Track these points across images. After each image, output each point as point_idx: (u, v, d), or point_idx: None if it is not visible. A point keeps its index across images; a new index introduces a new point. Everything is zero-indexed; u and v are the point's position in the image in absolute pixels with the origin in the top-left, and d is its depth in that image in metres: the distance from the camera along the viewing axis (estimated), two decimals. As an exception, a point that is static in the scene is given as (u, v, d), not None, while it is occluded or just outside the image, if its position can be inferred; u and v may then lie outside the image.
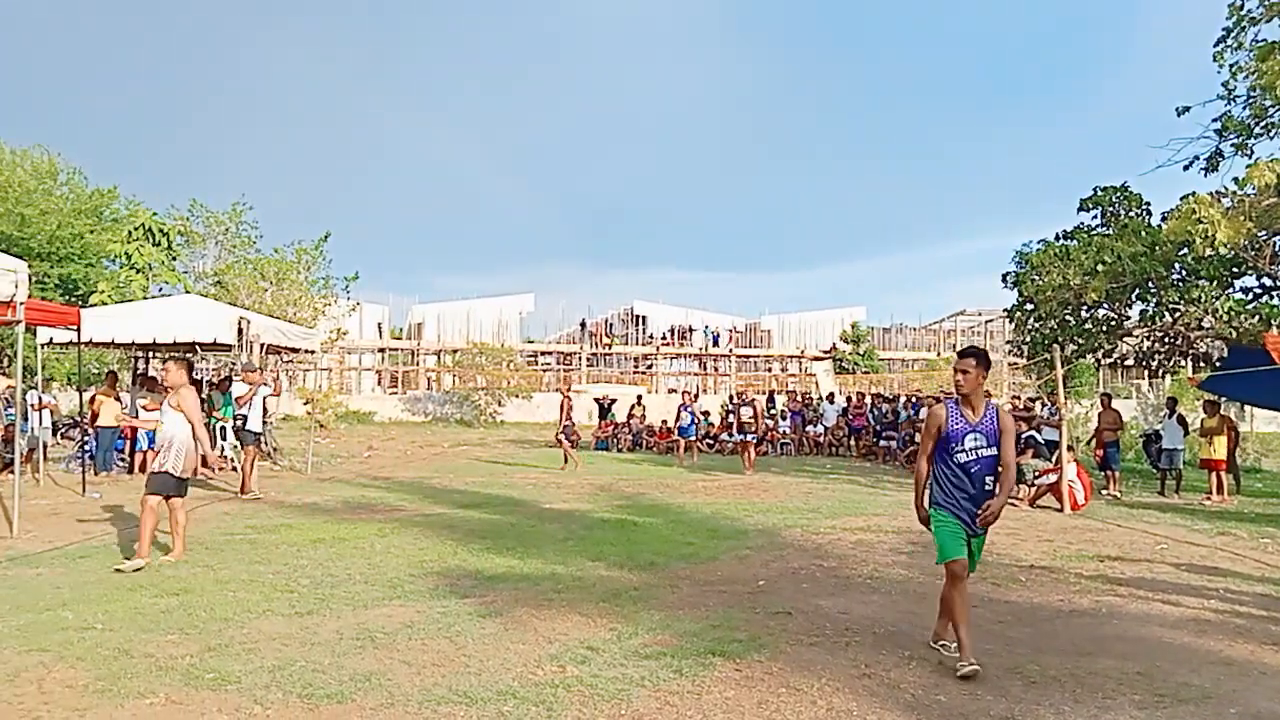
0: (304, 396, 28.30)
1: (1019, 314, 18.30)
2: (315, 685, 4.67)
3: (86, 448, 14.11)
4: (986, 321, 45.39)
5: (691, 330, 46.23)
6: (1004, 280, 18.53)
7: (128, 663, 5.00)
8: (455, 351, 40.27)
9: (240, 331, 13.96)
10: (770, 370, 46.21)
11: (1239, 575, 8.04)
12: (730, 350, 45.08)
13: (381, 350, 42.74)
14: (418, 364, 42.28)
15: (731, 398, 22.93)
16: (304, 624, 5.85)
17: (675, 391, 31.08)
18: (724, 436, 23.42)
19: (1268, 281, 15.70)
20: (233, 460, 15.20)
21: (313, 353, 19.91)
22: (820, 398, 27.31)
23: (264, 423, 13.76)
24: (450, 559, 8.11)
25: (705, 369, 45.89)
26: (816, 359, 44.52)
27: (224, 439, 15.48)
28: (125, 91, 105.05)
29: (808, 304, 58.27)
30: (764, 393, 28.10)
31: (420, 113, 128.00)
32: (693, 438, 20.84)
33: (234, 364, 16.27)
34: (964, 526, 5.16)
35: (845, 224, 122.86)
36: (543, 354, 44.51)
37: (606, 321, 48.07)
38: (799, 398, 26.80)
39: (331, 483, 14.42)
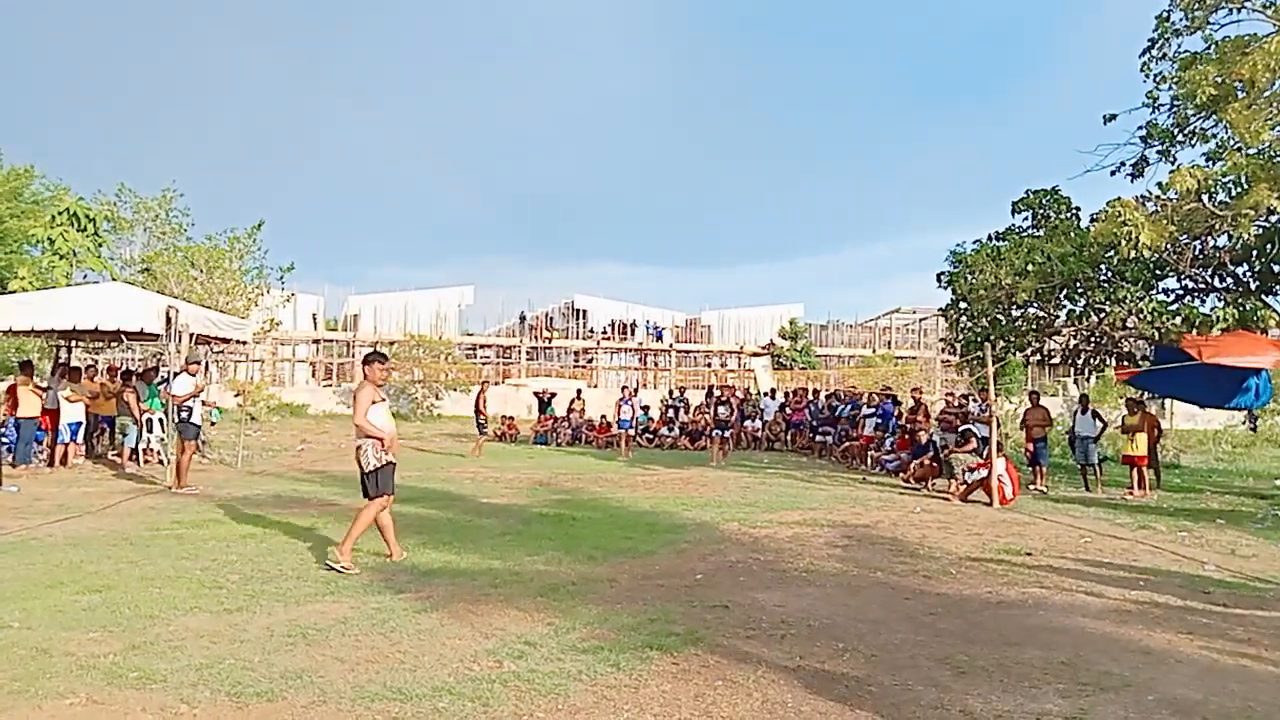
0: (235, 389, 27.65)
1: (952, 312, 18.68)
2: (244, 683, 4.56)
3: (4, 440, 13.59)
4: (921, 319, 46.22)
5: (633, 325, 46.28)
6: (939, 279, 18.89)
7: (46, 662, 4.83)
8: (392, 344, 39.69)
9: (169, 321, 13.57)
10: (710, 366, 46.48)
11: (1158, 568, 8.32)
12: (671, 346, 45.24)
13: (316, 342, 41.97)
14: (352, 356, 41.61)
15: (710, 391, 23.02)
16: (233, 621, 5.71)
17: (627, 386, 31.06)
18: (664, 431, 23.52)
19: (1189, 284, 16.27)
20: (159, 453, 14.77)
21: (244, 343, 19.48)
22: (760, 393, 27.58)
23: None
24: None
25: (646, 364, 45.98)
26: (755, 355, 44.88)
27: (150, 431, 15.04)
28: (48, 69, 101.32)
29: (748, 300, 58.72)
30: (724, 389, 28.23)
31: (359, 104, 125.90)
32: (631, 432, 20.90)
33: (160, 354, 15.82)
34: None
35: (786, 221, 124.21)
36: (481, 347, 44.11)
37: (547, 315, 47.82)
38: (739, 393, 27.01)
39: (263, 477, 14.11)
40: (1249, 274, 15.98)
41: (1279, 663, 5.31)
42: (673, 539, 9.13)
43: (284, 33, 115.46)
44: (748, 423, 23.43)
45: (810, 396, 24.04)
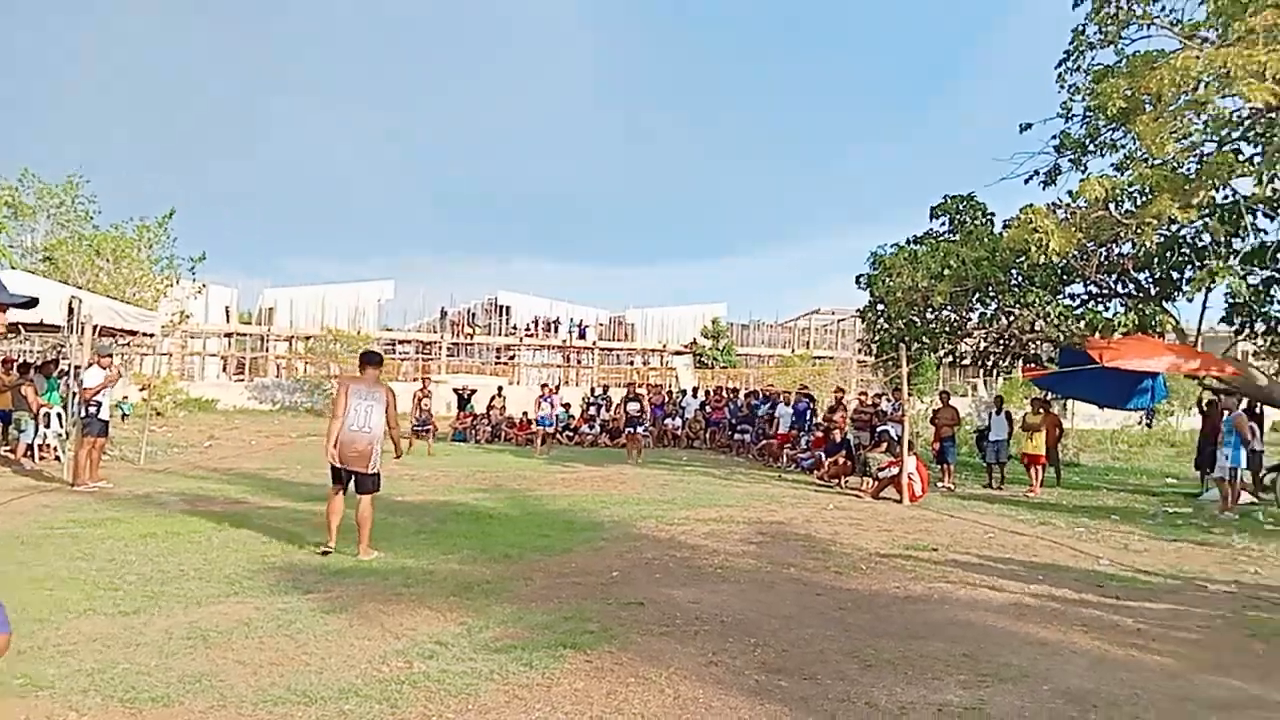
0: (140, 382, 26.65)
1: (870, 314, 19.05)
2: (139, 688, 4.40)
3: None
4: (839, 320, 47.08)
5: (557, 322, 46.10)
6: (858, 281, 19.25)
7: (-77, 669, 4.58)
8: (308, 338, 38.78)
9: (71, 312, 13.00)
10: (633, 364, 46.59)
11: (1056, 562, 8.64)
12: (594, 343, 45.21)
13: (228, 335, 40.72)
14: (267, 350, 40.52)
15: (629, 387, 22.97)
16: (129, 623, 5.50)
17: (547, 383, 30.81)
18: (585, 429, 23.49)
19: (1094, 289, 16.91)
20: (56, 449, 14.15)
21: (152, 335, 18.77)
22: (681, 391, 27.75)
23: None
24: (294, 554, 7.81)
25: (569, 361, 45.86)
26: (678, 353, 45.20)
27: (48, 426, 14.40)
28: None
29: (672, 299, 59.01)
30: (650, 387, 28.29)
31: (280, 93, 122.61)
32: (551, 429, 20.83)
33: (60, 347, 15.15)
34: None
35: (712, 221, 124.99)
36: (401, 343, 43.39)
37: (469, 311, 47.29)
38: (660, 391, 27.14)
39: (167, 474, 13.64)
40: (1149, 281, 16.68)
41: (1165, 653, 5.55)
42: (590, 537, 9.12)
43: (199, 16, 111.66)
44: (668, 421, 23.56)
45: (730, 395, 24.29)
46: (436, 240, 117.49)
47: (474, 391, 25.45)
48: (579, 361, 45.86)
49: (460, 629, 5.62)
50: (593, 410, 24.64)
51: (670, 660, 5.12)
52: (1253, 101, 11.41)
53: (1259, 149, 13.72)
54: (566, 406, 24.47)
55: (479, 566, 7.53)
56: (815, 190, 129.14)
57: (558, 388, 27.98)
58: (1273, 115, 11.80)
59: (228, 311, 41.37)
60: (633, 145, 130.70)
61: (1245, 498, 13.38)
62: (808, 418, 18.77)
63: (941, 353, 18.63)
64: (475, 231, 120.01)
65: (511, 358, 44.37)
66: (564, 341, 45.34)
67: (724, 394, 24.44)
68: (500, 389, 25.58)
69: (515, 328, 45.84)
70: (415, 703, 4.34)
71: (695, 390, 27.30)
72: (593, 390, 28.44)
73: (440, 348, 42.56)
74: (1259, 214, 15.46)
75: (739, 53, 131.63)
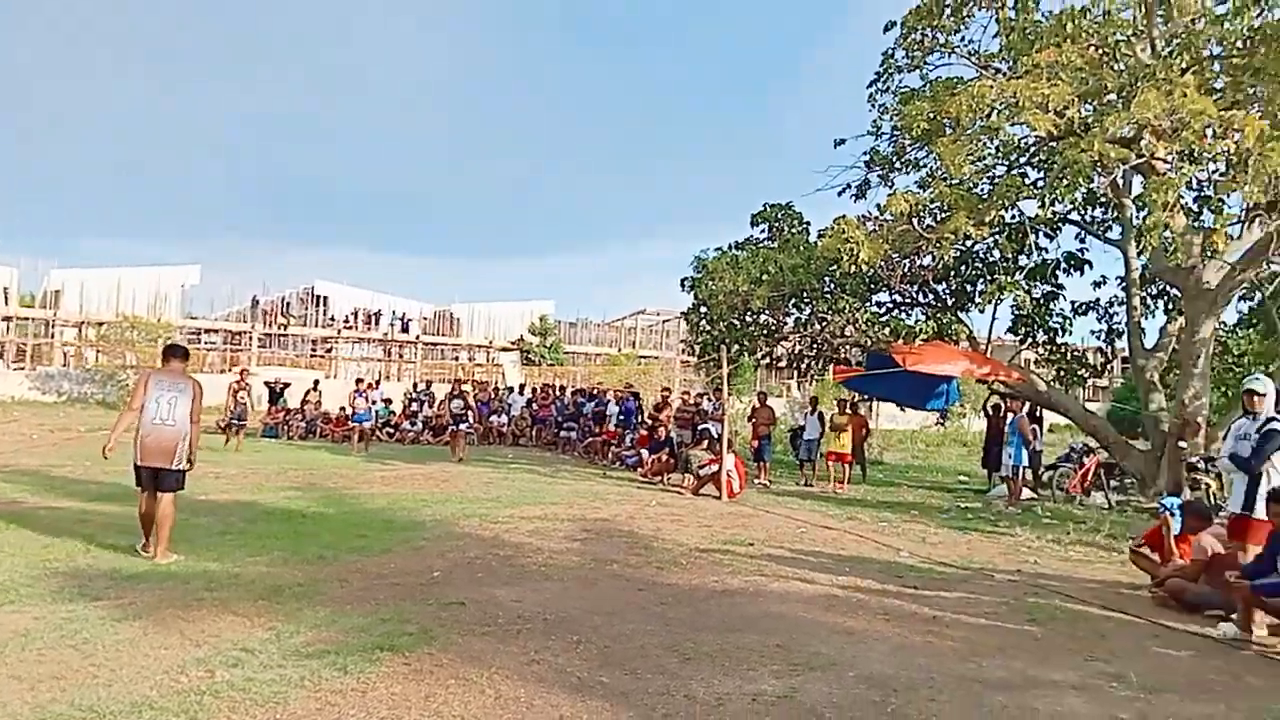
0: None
1: (693, 316, 19.57)
2: (-111, 711, 3.93)
3: None
4: (664, 321, 48.05)
5: (378, 314, 44.63)
6: (683, 284, 19.73)
7: None
8: (101, 324, 35.78)
9: None
10: (458, 359, 45.77)
11: (862, 555, 9.13)
12: (418, 337, 44.09)
13: (7, 319, 36.99)
14: (53, 336, 37.11)
15: (454, 385, 22.37)
16: (-121, 639, 4.90)
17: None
18: (406, 425, 22.87)
19: (898, 298, 18.04)
20: None
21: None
22: (508, 388, 27.50)
23: None
24: (80, 557, 7.19)
25: (391, 355, 44.51)
26: (504, 350, 44.76)
27: None
28: None
29: (500, 295, 58.37)
30: (476, 383, 27.70)
31: (78, 63, 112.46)
32: (369, 425, 20.16)
33: None
34: None
35: (542, 217, 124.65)
36: (207, 332, 40.76)
37: (283, 300, 45.03)
38: (485, 387, 26.78)
39: (-70, 471, 12.25)
40: (947, 291, 17.98)
41: (957, 638, 5.98)
42: (410, 536, 8.88)
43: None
44: (494, 418, 23.29)
45: (557, 393, 24.29)
46: (249, 225, 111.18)
47: (287, 385, 24.23)
48: (401, 356, 44.61)
49: (268, 634, 5.34)
50: (415, 406, 24.02)
51: (491, 660, 5.06)
52: (1038, 130, 12.47)
53: (1042, 174, 15.04)
54: (387, 402, 23.74)
55: (290, 568, 7.18)
56: (643, 192, 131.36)
57: (378, 382, 27.12)
58: (1054, 144, 12.91)
59: (6, 293, 37.61)
60: (463, 140, 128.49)
61: (1027, 494, 14.59)
62: (633, 416, 19.03)
63: (760, 355, 19.37)
64: (292, 219, 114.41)
65: (329, 350, 42.60)
66: (386, 335, 43.97)
67: (551, 392, 24.39)
68: (316, 383, 24.48)
69: (333, 319, 44.06)
70: (218, 714, 4.09)
71: (522, 387, 27.13)
72: (415, 386, 27.74)
73: (251, 338, 40.33)
74: (1041, 234, 16.98)
75: (572, 54, 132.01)
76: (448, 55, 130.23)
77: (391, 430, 22.57)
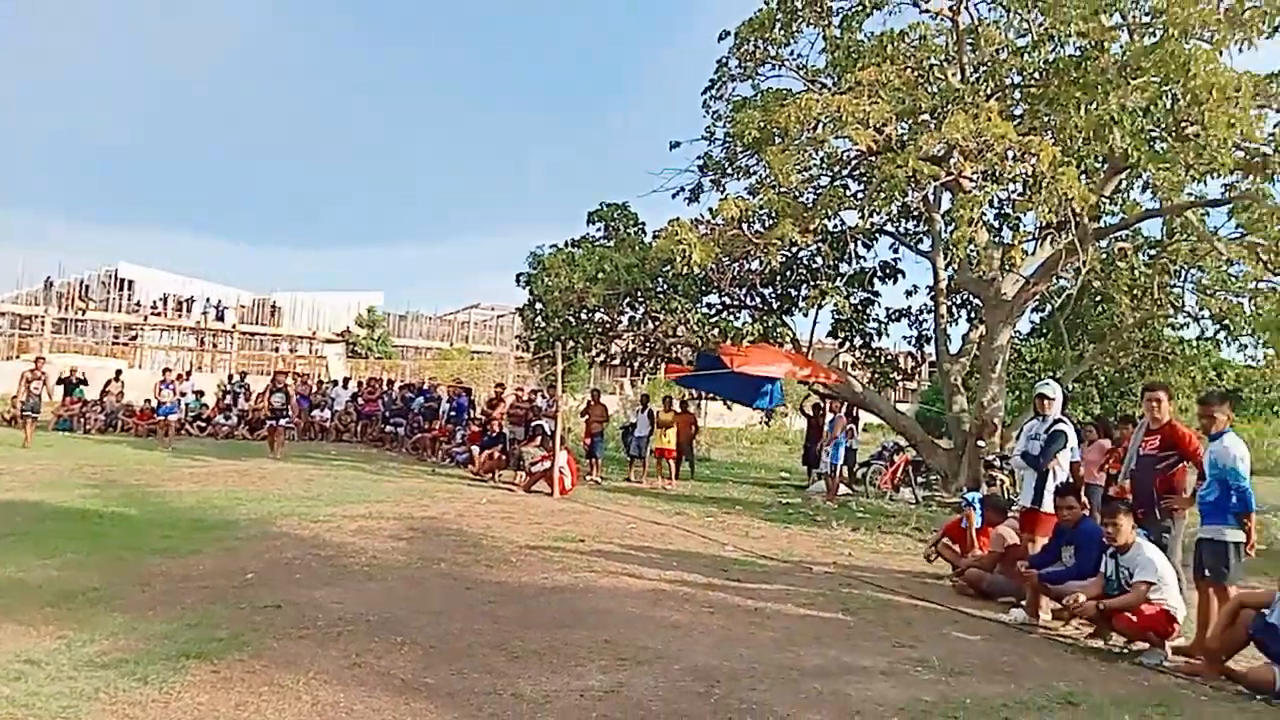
0: None
1: (528, 312, 19.42)
2: None
3: None
4: (499, 317, 47.51)
5: (191, 301, 41.93)
6: (518, 279, 19.52)
7: None
8: None
9: None
10: (278, 350, 43.63)
11: (689, 550, 9.35)
12: (234, 326, 41.73)
13: None
14: None
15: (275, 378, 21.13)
16: None
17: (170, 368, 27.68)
18: (220, 419, 21.60)
19: (727, 300, 18.56)
20: None
21: None
22: (332, 381, 26.44)
23: None
24: None
25: (205, 345, 41.92)
26: (329, 342, 43.00)
27: None
28: None
29: (324, 284, 55.92)
30: (297, 375, 26.35)
31: None
32: (177, 419, 18.94)
33: None
34: None
35: (371, 206, 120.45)
36: (-9, 314, 37.14)
37: (82, 283, 41.53)
38: (306, 381, 25.65)
39: None
40: (773, 295, 18.65)
41: (777, 629, 6.21)
42: (222, 536, 8.40)
43: None
44: (316, 412, 22.35)
45: (385, 387, 23.58)
46: (41, 201, 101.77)
47: (83, 381, 22.22)
48: (216, 346, 42.11)
49: (58, 644, 4.92)
50: (230, 399, 22.71)
51: (309, 664, 4.85)
52: (859, 144, 13.14)
53: (862, 186, 15.85)
54: (199, 394, 22.33)
55: (84, 572, 6.63)
56: (479, 187, 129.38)
57: (189, 373, 25.52)
58: (873, 158, 13.63)
59: None
60: (291, 121, 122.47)
61: (843, 490, 15.36)
62: (465, 412, 18.72)
63: (594, 352, 19.45)
64: (93, 195, 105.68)
65: (134, 338, 39.67)
66: (199, 323, 41.38)
67: (378, 386, 23.63)
68: (119, 372, 22.72)
69: (139, 305, 41.06)
70: (-6, 734, 3.73)
71: (346, 381, 26.16)
72: (231, 377, 26.25)
73: (44, 323, 37.01)
74: (860, 243, 17.90)
75: (410, 40, 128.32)
76: (277, 29, 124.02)
77: (203, 424, 21.25)
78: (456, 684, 4.70)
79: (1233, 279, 14.92)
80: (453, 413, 18.85)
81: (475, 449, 15.84)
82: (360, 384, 24.80)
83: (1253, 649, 5.58)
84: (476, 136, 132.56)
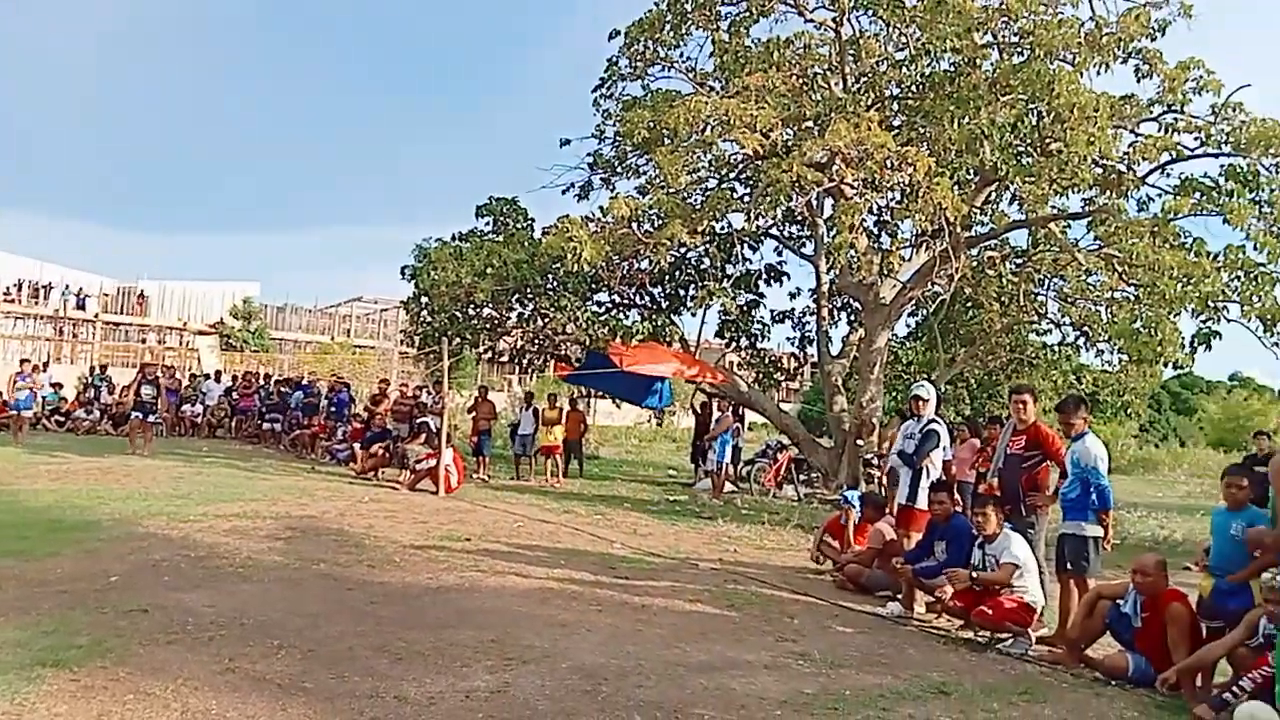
0: None
1: (414, 306, 19.05)
2: None
3: None
4: (382, 310, 46.38)
5: (48, 288, 39.40)
6: (403, 272, 19.11)
7: None
8: None
9: None
10: (145, 341, 41.45)
11: (577, 548, 9.36)
12: (97, 316, 39.44)
13: None
14: None
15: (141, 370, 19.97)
16: None
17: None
18: (80, 414, 20.42)
19: (617, 298, 18.64)
20: None
21: None
22: (205, 375, 25.31)
23: None
24: None
25: (63, 335, 39.46)
26: (201, 333, 41.13)
27: None
28: None
29: (196, 273, 53.50)
30: (165, 368, 24.99)
31: None
32: (31, 413, 17.80)
33: None
34: None
35: (245, 194, 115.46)
36: None
37: (-77, 266, 38.54)
38: (175, 374, 24.47)
39: None
40: (662, 295, 18.83)
41: (664, 625, 6.28)
42: (82, 537, 7.95)
43: None
44: (186, 407, 21.38)
45: (262, 381, 22.73)
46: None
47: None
48: (76, 336, 39.70)
49: (-105, 657, 4.56)
50: (91, 393, 21.49)
51: (179, 671, 4.64)
52: (746, 148, 13.41)
53: (749, 190, 16.16)
54: (57, 387, 21.07)
55: (-75, 578, 6.17)
56: (362, 175, 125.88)
57: (46, 364, 24.03)
58: (759, 162, 13.92)
59: None
60: (159, 100, 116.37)
61: (729, 487, 15.64)
62: (345, 408, 18.23)
63: (482, 349, 19.23)
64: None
65: (-17, 327, 37.04)
66: (57, 311, 38.92)
67: (254, 380, 22.74)
68: (-34, 363, 21.23)
69: (-10, 291, 38.36)
70: None
71: (219, 374, 25.10)
72: (93, 370, 24.82)
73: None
74: (746, 245, 18.26)
75: (290, 22, 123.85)
76: (148, 2, 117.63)
77: (62, 419, 20.05)
78: (337, 688, 4.58)
79: (1091, 288, 15.82)
80: (333, 409, 18.32)
81: (357, 446, 15.45)
82: (235, 378, 23.84)
83: (1109, 637, 5.96)
84: (360, 124, 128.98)
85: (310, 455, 17.58)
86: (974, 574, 6.42)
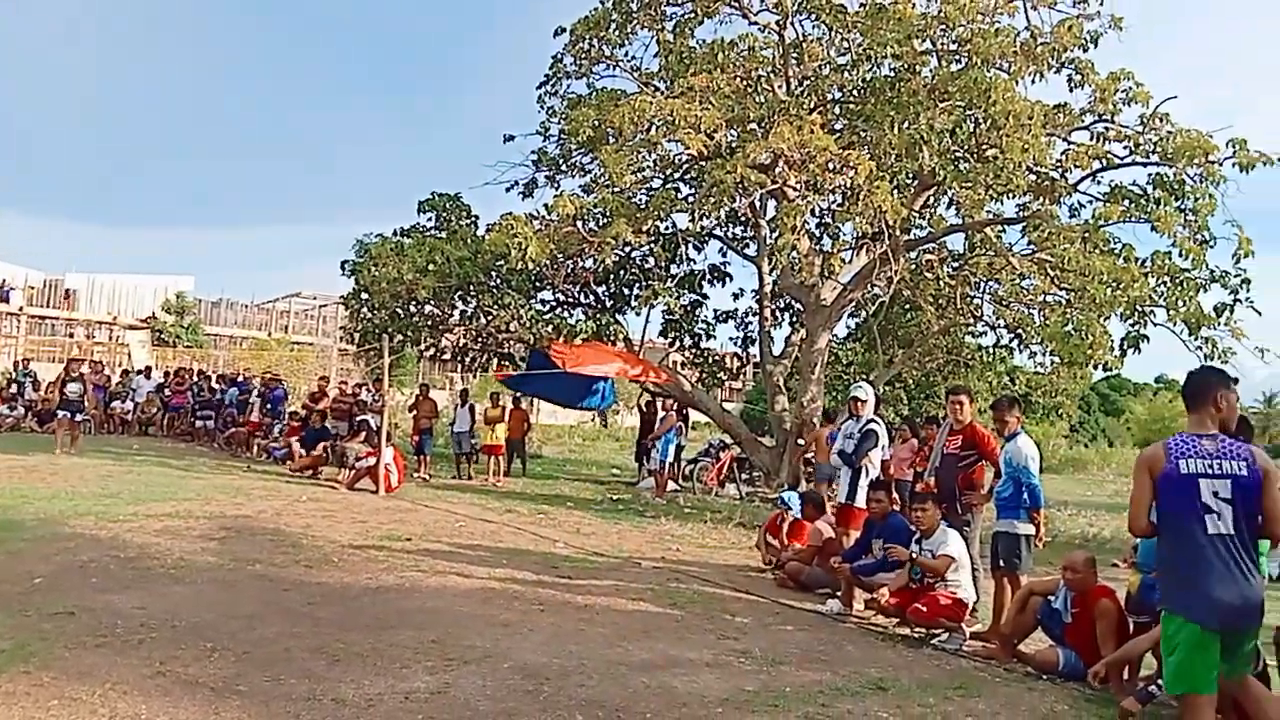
0: None
1: (354, 302, 18.76)
2: None
3: None
4: (321, 306, 45.55)
5: (-31, 280, 37.97)
6: (343, 268, 18.80)
7: None
8: None
9: None
10: (73, 336, 40.15)
11: (519, 547, 9.31)
12: (22, 309, 38.09)
13: None
14: None
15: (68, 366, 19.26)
16: None
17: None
18: (3, 410, 19.72)
19: (561, 297, 18.58)
20: None
21: None
22: (138, 371, 24.63)
23: None
24: None
25: (-15, 328, 38.06)
26: (132, 328, 39.99)
27: None
28: None
29: (127, 266, 51.86)
30: (93, 364, 24.23)
31: None
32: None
33: None
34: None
35: (182, 184, 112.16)
36: None
37: None
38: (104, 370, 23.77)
39: None
40: (606, 294, 18.83)
41: (606, 624, 6.28)
42: (4, 538, 7.67)
43: None
44: (116, 404, 20.79)
45: (196, 378, 22.19)
46: None
47: None
48: (0, 331, 38.32)
49: None
50: (15, 389, 20.79)
51: (106, 675, 4.51)
52: (690, 149, 13.48)
53: (693, 190, 16.25)
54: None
55: None
56: (301, 169, 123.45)
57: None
58: (704, 163, 14.01)
59: None
60: (89, 88, 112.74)
61: (672, 486, 15.69)
62: (282, 405, 17.88)
63: (424, 346, 19.02)
64: None
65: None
66: (-21, 305, 37.53)
67: (187, 376, 22.19)
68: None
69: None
70: None
71: (150, 370, 24.44)
72: (17, 365, 23.98)
73: None
74: (691, 245, 18.34)
75: (227, 11, 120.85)
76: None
77: (-18, 417, 19.33)
78: (272, 690, 4.49)
79: (1025, 292, 16.20)
80: (268, 405, 17.96)
81: (295, 444, 15.17)
82: (168, 374, 23.24)
83: (1041, 633, 6.12)
84: (300, 117, 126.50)
85: (246, 453, 17.23)
86: (914, 556, 6.54)
